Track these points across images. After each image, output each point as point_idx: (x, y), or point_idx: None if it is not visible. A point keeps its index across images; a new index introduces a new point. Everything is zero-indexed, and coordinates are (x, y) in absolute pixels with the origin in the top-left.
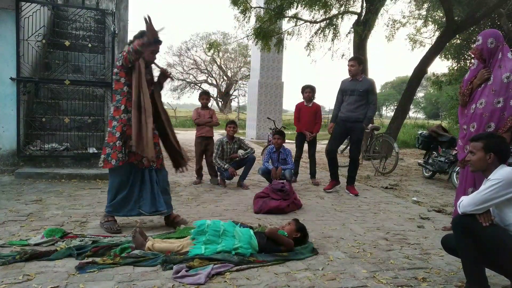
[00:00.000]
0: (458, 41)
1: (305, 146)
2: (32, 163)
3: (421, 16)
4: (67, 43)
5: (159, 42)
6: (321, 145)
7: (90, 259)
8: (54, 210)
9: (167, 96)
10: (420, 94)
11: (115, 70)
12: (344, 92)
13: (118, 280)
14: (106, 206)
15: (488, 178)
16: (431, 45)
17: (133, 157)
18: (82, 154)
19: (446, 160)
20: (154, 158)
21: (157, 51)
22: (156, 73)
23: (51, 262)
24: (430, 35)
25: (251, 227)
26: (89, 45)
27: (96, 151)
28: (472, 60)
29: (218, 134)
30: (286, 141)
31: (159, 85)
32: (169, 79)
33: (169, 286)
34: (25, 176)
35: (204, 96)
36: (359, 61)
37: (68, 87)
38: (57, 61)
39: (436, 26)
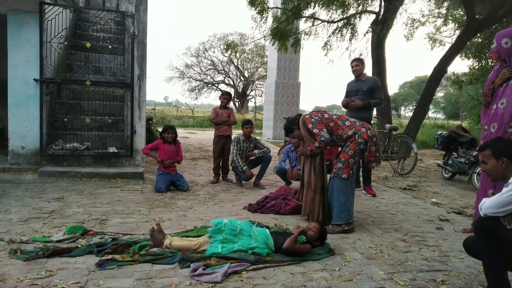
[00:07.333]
0: (480, 40)
1: None
2: (54, 162)
3: (441, 15)
4: (88, 44)
5: None
6: None
7: (109, 256)
8: (75, 208)
9: (185, 97)
10: (439, 93)
11: None
12: (349, 94)
13: (137, 277)
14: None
15: (509, 181)
16: (451, 44)
17: None
18: (102, 154)
19: (467, 161)
20: None
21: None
22: None
23: (72, 259)
24: (450, 34)
25: (267, 227)
26: (109, 46)
27: (116, 151)
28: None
29: (235, 134)
30: None
31: None
32: None
33: (187, 284)
34: (48, 174)
35: (226, 96)
36: (362, 61)
37: (89, 88)
38: (78, 63)
39: (457, 25)
